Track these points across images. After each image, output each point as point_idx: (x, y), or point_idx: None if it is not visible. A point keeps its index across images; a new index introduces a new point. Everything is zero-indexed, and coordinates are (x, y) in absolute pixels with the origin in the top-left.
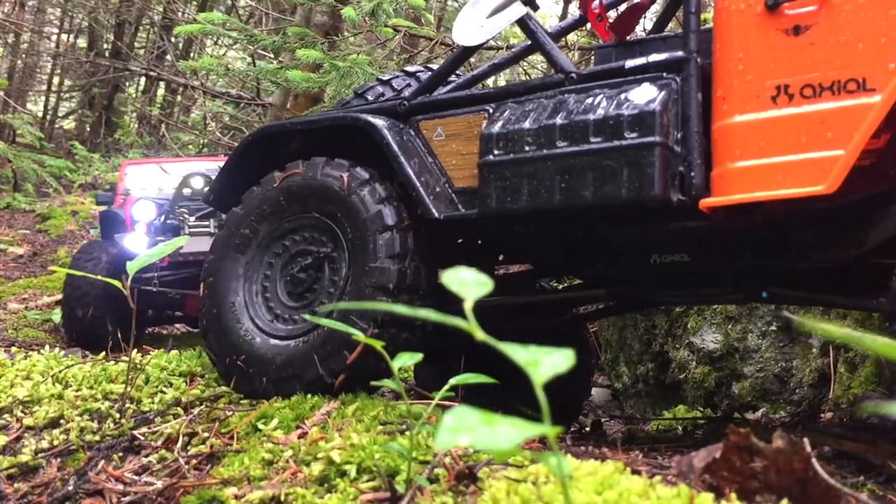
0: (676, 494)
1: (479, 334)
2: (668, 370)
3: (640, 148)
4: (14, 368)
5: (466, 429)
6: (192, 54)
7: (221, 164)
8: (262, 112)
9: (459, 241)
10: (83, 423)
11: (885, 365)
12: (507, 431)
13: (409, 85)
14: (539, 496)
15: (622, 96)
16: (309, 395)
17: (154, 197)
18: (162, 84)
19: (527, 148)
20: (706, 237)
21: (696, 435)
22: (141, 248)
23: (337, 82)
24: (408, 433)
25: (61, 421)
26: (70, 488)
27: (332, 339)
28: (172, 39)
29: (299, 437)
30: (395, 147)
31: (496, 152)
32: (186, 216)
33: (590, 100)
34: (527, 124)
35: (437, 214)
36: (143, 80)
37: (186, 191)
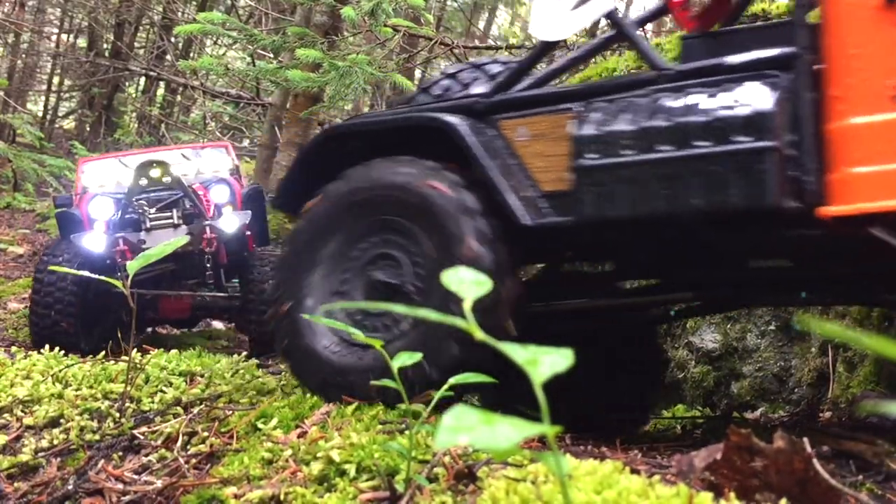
0: (675, 494)
1: (479, 334)
2: (666, 369)
3: (753, 153)
4: (14, 368)
5: (466, 428)
6: (191, 54)
7: (180, 152)
8: (262, 112)
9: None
10: (83, 422)
11: (884, 364)
12: (506, 431)
13: (476, 78)
14: (538, 495)
15: (727, 96)
16: (308, 395)
17: (112, 192)
18: (162, 84)
19: (625, 152)
20: (813, 243)
21: (695, 434)
22: (100, 246)
23: (336, 82)
24: (407, 432)
25: (61, 420)
26: (70, 487)
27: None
28: (172, 39)
29: (299, 437)
30: (479, 150)
31: (591, 156)
32: (146, 208)
33: (690, 100)
34: (623, 126)
35: (528, 221)
36: (142, 79)
37: (143, 181)
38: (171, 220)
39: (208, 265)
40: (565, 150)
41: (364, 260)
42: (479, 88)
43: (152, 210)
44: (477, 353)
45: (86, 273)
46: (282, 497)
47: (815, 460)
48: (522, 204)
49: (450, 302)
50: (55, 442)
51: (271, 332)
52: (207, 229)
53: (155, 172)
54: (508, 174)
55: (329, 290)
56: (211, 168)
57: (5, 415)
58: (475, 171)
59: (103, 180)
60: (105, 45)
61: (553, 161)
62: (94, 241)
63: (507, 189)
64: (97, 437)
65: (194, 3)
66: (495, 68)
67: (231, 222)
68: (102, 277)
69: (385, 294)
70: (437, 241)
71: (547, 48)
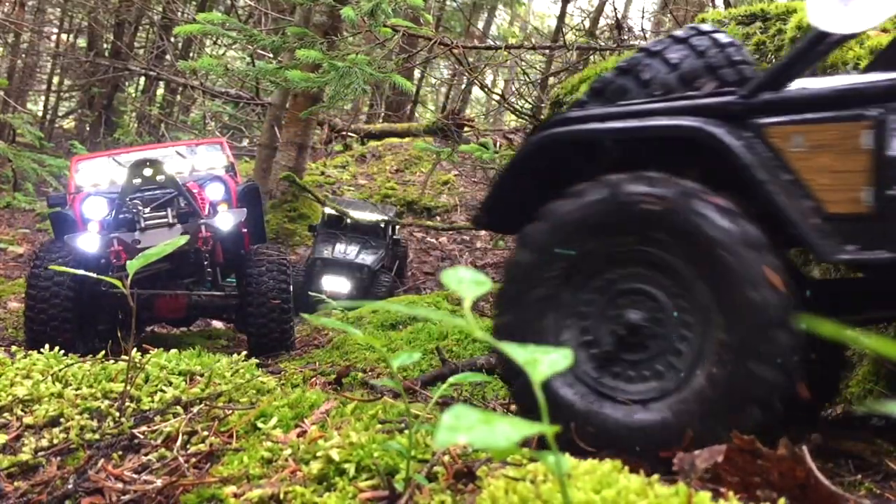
0: (674, 493)
1: (477, 333)
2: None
3: None
4: (14, 367)
5: (465, 427)
6: (191, 54)
7: (175, 149)
8: (262, 111)
9: None
10: (83, 421)
11: (882, 363)
12: (505, 430)
13: (685, 56)
14: (538, 494)
15: None
16: (308, 394)
17: (106, 191)
18: (161, 84)
19: None
20: None
21: None
22: (94, 247)
23: (336, 82)
24: (406, 432)
25: (61, 419)
26: (70, 487)
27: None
28: (172, 39)
29: (298, 436)
30: (761, 171)
31: None
32: (140, 208)
33: None
34: None
35: (830, 257)
36: (142, 79)
37: (137, 180)
38: (165, 220)
39: (193, 261)
40: (860, 166)
41: (607, 297)
42: (688, 66)
43: (146, 209)
44: (778, 414)
45: (83, 272)
46: (281, 496)
47: (816, 470)
48: (819, 235)
49: (749, 345)
50: (55, 441)
51: (507, 382)
52: (203, 228)
53: (148, 171)
54: (789, 195)
55: (568, 334)
56: (206, 165)
57: (5, 414)
58: (759, 194)
59: (97, 179)
60: (105, 45)
61: (843, 178)
62: (88, 242)
63: (798, 216)
64: (97, 436)
65: (194, 3)
66: (702, 43)
67: (226, 221)
68: (102, 277)
69: (640, 338)
70: (713, 279)
71: (821, 40)
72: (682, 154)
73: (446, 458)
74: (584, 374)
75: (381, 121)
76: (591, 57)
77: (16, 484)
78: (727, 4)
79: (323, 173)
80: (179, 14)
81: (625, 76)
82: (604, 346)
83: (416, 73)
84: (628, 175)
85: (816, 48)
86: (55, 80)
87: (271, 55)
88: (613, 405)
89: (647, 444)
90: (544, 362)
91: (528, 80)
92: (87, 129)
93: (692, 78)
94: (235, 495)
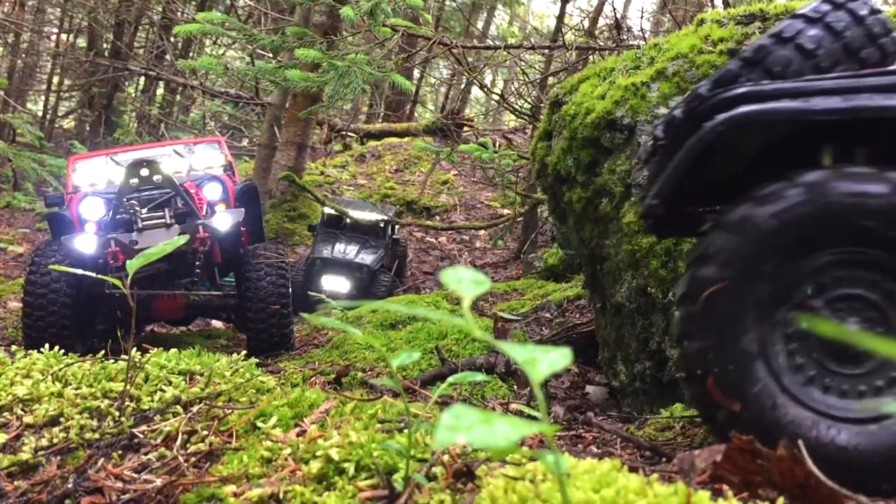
0: (674, 492)
1: (476, 332)
2: (665, 368)
3: None
4: (14, 367)
5: (464, 427)
6: (191, 54)
7: (172, 148)
8: (262, 111)
9: None
10: (83, 421)
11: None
12: (504, 430)
13: (850, 24)
14: (537, 494)
15: None
16: (307, 393)
17: (103, 191)
18: (161, 83)
19: None
20: None
21: (694, 433)
22: (92, 248)
23: (335, 81)
24: (406, 431)
25: (61, 419)
26: (70, 486)
27: None
28: (172, 39)
29: (298, 435)
30: None
31: None
32: (137, 209)
33: None
34: None
35: None
36: (142, 79)
37: (134, 181)
38: (163, 220)
39: (198, 263)
40: None
41: (816, 309)
42: (851, 35)
43: (144, 210)
44: None
45: (82, 272)
46: (281, 495)
47: (815, 470)
48: None
49: None
50: (55, 440)
51: (698, 403)
52: (200, 228)
53: (145, 172)
54: None
55: (776, 356)
56: (204, 164)
57: (5, 413)
58: None
59: (95, 178)
60: (105, 45)
61: None
62: (85, 243)
63: None
64: (97, 435)
65: (194, 2)
66: (859, 8)
67: (224, 221)
68: (102, 277)
69: (853, 347)
70: None
71: None
72: (847, 138)
73: (445, 457)
74: (796, 390)
75: (380, 120)
76: (591, 57)
77: (16, 483)
78: (726, 4)
79: (322, 173)
80: (179, 14)
81: (784, 45)
82: (819, 362)
83: (416, 73)
84: (829, 172)
85: None
86: (55, 80)
87: (271, 55)
88: (835, 425)
89: (877, 471)
90: (543, 362)
91: (527, 79)
92: (87, 128)
93: (857, 48)
94: (235, 494)
